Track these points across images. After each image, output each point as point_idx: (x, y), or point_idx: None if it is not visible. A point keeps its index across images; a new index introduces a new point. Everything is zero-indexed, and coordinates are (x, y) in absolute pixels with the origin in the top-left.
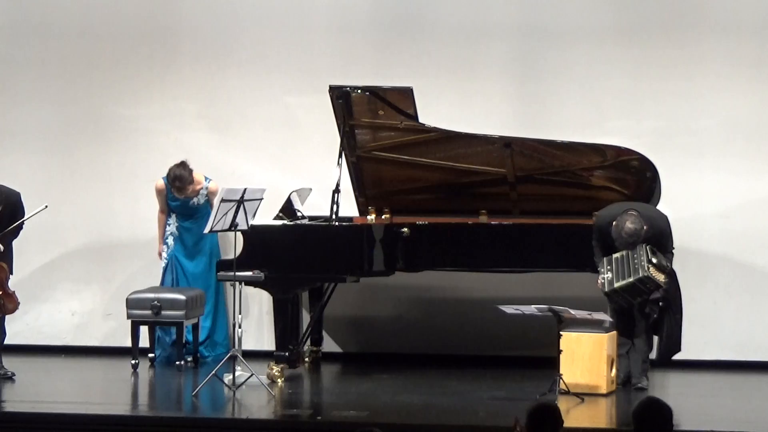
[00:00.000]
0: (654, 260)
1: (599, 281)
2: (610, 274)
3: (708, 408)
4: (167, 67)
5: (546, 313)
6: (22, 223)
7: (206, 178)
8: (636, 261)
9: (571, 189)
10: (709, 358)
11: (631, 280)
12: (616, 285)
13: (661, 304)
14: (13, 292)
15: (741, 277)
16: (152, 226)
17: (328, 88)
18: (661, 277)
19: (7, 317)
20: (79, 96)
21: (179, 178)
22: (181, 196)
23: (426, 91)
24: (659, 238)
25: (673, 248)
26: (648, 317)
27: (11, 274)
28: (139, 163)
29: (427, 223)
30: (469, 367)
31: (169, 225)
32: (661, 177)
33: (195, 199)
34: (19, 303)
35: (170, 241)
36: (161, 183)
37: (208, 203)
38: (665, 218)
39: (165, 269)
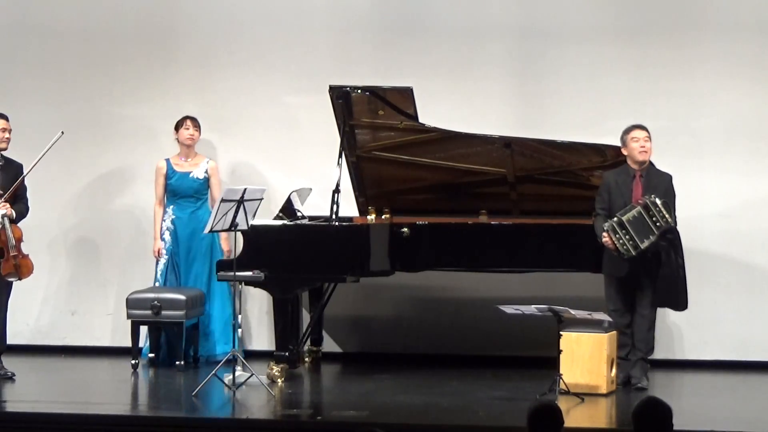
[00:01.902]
0: (661, 200)
1: (616, 245)
2: (621, 230)
3: (708, 408)
4: (167, 67)
5: (546, 313)
6: (21, 182)
7: (207, 159)
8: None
9: (571, 189)
10: (709, 358)
11: (637, 208)
12: (623, 217)
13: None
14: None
15: (741, 277)
16: (152, 226)
17: (328, 88)
18: (667, 215)
19: (8, 318)
20: (79, 96)
21: (192, 117)
22: (188, 136)
23: (426, 91)
24: (664, 193)
25: (676, 221)
26: (650, 315)
27: None
28: (139, 163)
29: (427, 223)
30: (469, 367)
31: (164, 220)
32: None
33: (195, 172)
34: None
35: (167, 236)
36: (162, 162)
37: (207, 183)
38: (669, 177)
39: (164, 265)
